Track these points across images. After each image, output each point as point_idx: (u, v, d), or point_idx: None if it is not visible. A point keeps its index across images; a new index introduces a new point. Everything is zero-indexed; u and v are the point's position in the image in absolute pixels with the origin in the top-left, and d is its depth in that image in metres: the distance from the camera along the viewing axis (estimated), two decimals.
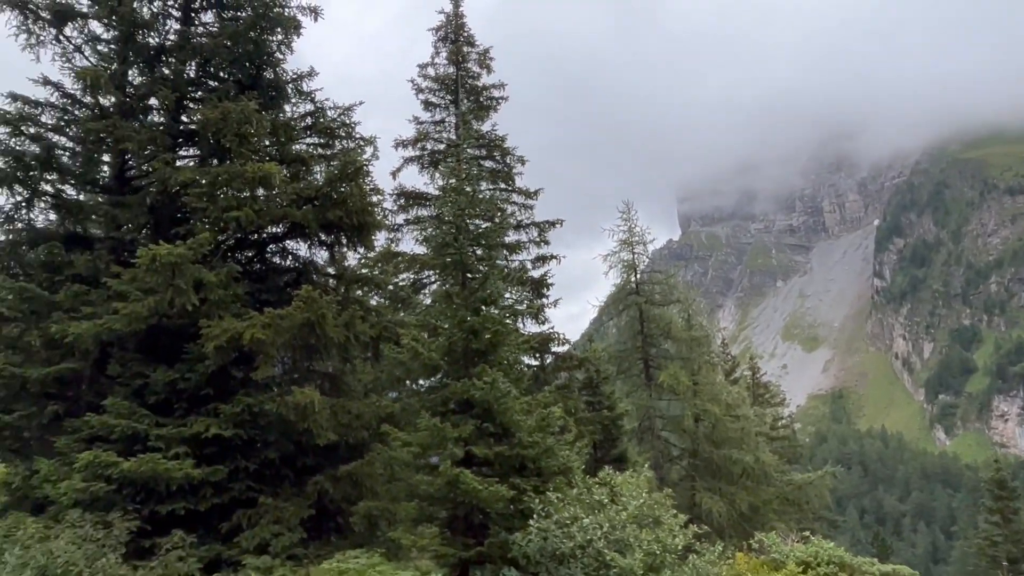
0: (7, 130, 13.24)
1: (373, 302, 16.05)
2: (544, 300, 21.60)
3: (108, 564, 10.23)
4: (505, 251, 20.62)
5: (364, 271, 15.97)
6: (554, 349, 21.89)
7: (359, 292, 15.21)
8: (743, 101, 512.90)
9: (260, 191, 13.46)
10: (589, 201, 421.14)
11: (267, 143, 14.28)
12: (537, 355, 21.18)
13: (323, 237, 14.88)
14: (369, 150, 14.93)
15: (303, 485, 13.06)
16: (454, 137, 21.60)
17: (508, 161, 22.07)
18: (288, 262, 15.51)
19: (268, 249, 15.24)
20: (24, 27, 13.34)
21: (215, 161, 13.82)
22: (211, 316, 12.27)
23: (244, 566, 11.47)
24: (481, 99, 21.87)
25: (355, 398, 14.35)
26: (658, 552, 11.22)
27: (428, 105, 21.96)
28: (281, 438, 12.77)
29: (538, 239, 22.00)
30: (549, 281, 21.81)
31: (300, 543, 12.33)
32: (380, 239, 18.40)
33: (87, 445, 12.07)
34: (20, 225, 14.06)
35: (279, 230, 14.73)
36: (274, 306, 12.69)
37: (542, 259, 22.10)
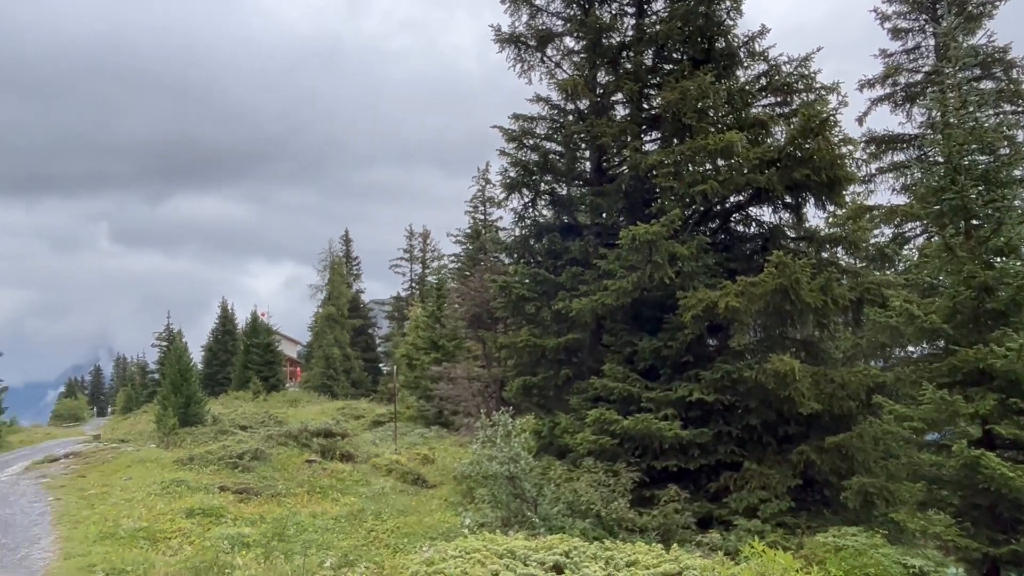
0: (514, 145, 16.17)
1: (848, 262, 14.81)
2: None
3: (619, 507, 11.71)
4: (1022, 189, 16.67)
5: (835, 230, 14.79)
6: None
7: (832, 253, 14.18)
8: None
9: (721, 161, 13.61)
10: None
11: (724, 112, 14.33)
12: None
13: (788, 199, 14.31)
14: (833, 98, 13.75)
15: (786, 453, 12.84)
16: (934, 62, 18.35)
17: (1016, 75, 17.77)
18: (752, 229, 15.40)
19: (732, 218, 15.36)
20: (519, 58, 16.09)
21: (676, 140, 14.47)
22: (686, 287, 12.95)
23: (735, 527, 11.84)
24: (969, 7, 18.08)
25: (834, 366, 13.48)
26: None
27: (897, 33, 19.19)
28: (761, 405, 12.76)
29: None
30: None
31: (789, 511, 12.19)
32: (850, 193, 16.85)
33: (593, 404, 14.06)
34: (528, 221, 17.03)
35: (742, 198, 14.70)
36: (743, 274, 12.75)
37: None
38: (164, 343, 73.59)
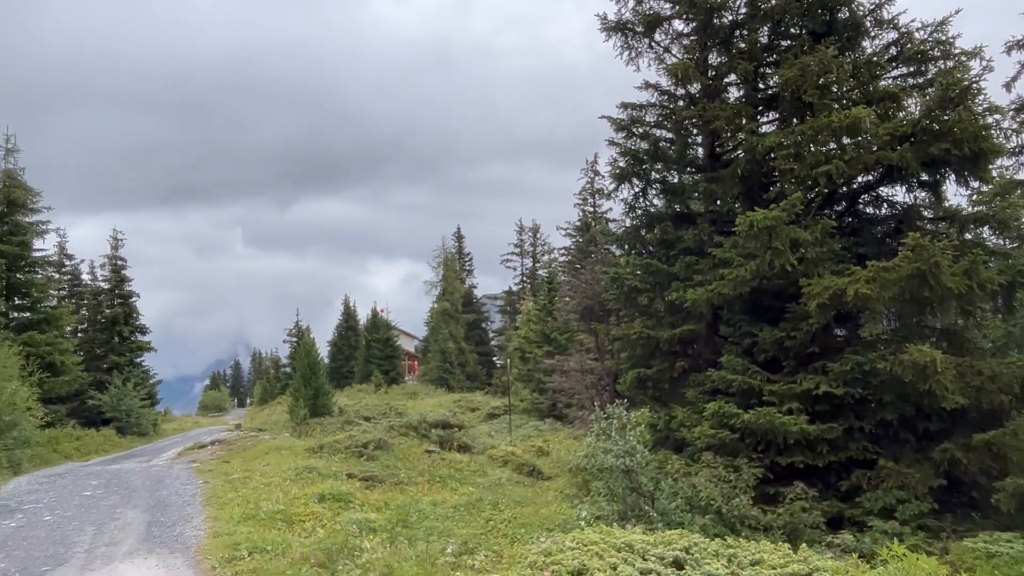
0: (623, 134, 15.92)
1: (996, 244, 13.49)
2: None
3: (741, 504, 11.30)
4: None
5: (981, 208, 13.51)
6: None
7: (977, 233, 12.98)
8: None
9: (847, 139, 12.78)
10: None
11: (849, 87, 13.43)
12: None
13: (924, 177, 13.23)
14: (975, 64, 12.54)
15: (927, 451, 11.91)
16: None
17: None
18: (883, 210, 14.36)
19: (860, 199, 14.39)
20: (627, 45, 15.80)
21: (796, 120, 13.72)
22: (810, 274, 12.28)
23: (870, 528, 11.13)
24: None
25: (982, 357, 12.33)
26: None
27: None
28: (897, 399, 11.89)
29: None
30: None
31: (930, 513, 11.31)
32: (998, 167, 15.36)
33: (711, 397, 13.64)
34: (639, 211, 16.72)
35: (871, 177, 13.74)
36: (874, 259, 11.92)
37: None
38: (294, 339, 78.56)
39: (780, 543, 8.33)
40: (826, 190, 13.66)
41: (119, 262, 36.33)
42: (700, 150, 15.85)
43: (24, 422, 19.44)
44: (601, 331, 18.82)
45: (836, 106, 12.87)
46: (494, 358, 70.33)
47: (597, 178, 53.97)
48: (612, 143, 15.67)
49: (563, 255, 55.75)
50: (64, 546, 9.68)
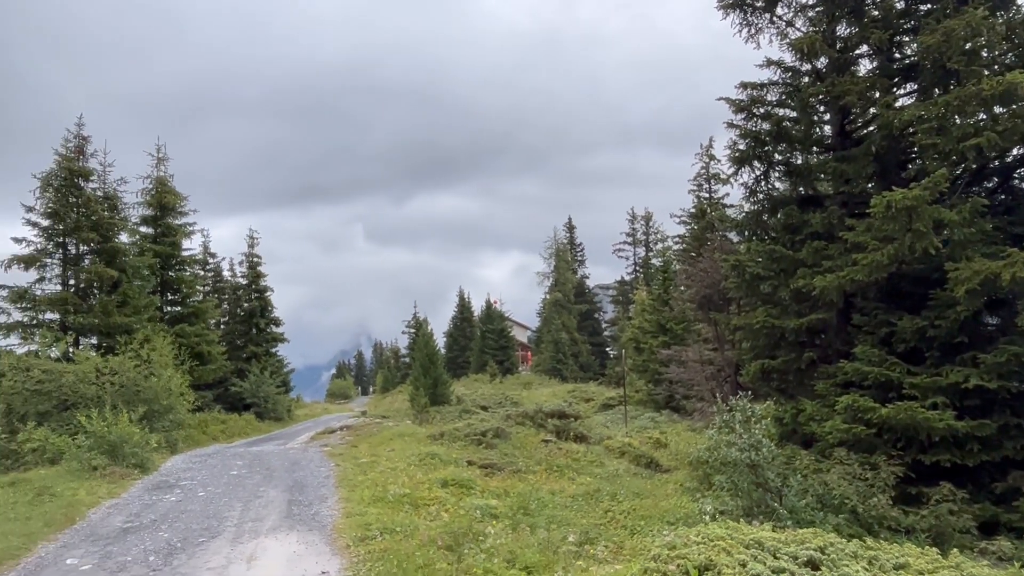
0: (742, 116, 15.26)
1: None
2: None
3: (879, 504, 10.61)
4: None
5: None
6: None
7: None
8: None
9: (1000, 109, 11.60)
10: None
11: (1001, 51, 12.19)
12: None
13: None
14: None
15: None
16: None
17: None
18: None
19: (1015, 174, 13.05)
20: (745, 22, 15.12)
21: (939, 90, 12.63)
22: (956, 258, 11.30)
23: None
24: None
25: None
26: None
27: None
28: None
29: None
30: None
31: None
32: None
33: (843, 390, 12.88)
34: (760, 195, 16.01)
35: None
36: None
37: None
38: (412, 330, 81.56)
39: (926, 547, 7.74)
40: (975, 165, 12.51)
41: (255, 259, 39.09)
42: (828, 128, 14.94)
43: (178, 406, 21.37)
44: (721, 320, 18.17)
45: (987, 73, 11.73)
46: (607, 348, 69.93)
47: (712, 163, 52.17)
48: (731, 125, 15.06)
49: (677, 243, 54.39)
50: (216, 520, 10.56)
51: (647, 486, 15.25)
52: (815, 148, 15.14)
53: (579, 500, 13.49)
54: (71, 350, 22.09)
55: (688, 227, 52.40)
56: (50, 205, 22.79)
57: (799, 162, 15.34)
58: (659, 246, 68.63)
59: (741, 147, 15.14)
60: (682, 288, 27.99)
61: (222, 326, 37.86)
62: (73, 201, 23.31)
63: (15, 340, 21.65)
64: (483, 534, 8.72)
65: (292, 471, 15.30)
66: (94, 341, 23.85)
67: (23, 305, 21.97)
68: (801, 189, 15.20)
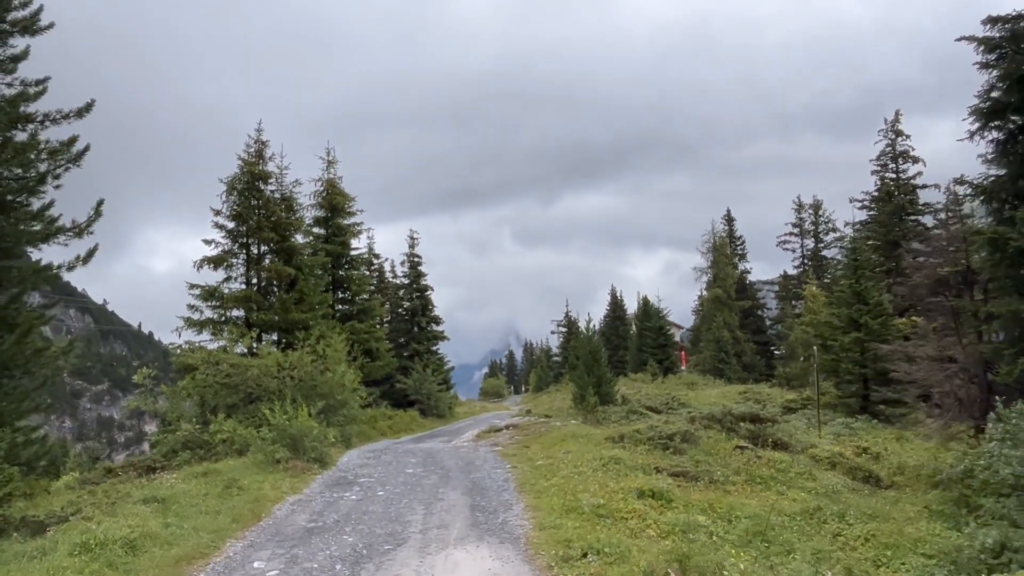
0: (995, 55, 12.42)
1: None
2: None
3: None
4: None
5: None
6: None
7: None
8: None
9: None
10: None
11: None
12: None
13: None
14: None
15: None
16: None
17: None
18: None
19: None
20: None
21: None
22: None
23: None
24: None
25: None
26: None
27: None
28: None
29: None
30: None
31: None
32: None
33: None
34: (1014, 156, 13.02)
35: None
36: None
37: None
38: (563, 329, 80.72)
39: None
40: None
41: (415, 259, 39.75)
42: None
43: (352, 401, 21.52)
44: (966, 308, 15.12)
45: None
46: (771, 347, 65.17)
47: (899, 139, 46.51)
48: (986, 66, 12.25)
49: (857, 230, 49.19)
50: (400, 524, 9.76)
51: (877, 505, 12.83)
52: None
53: (798, 519, 11.46)
54: (255, 345, 23.00)
55: (869, 212, 47.17)
56: (235, 207, 23.92)
57: None
58: (829, 236, 62.94)
59: (996, 94, 12.29)
60: (907, 274, 24.18)
61: (386, 325, 38.79)
62: (255, 203, 24.36)
63: (207, 336, 22.88)
64: (718, 564, 7.09)
65: (468, 472, 14.46)
66: (275, 337, 24.80)
67: (213, 303, 23.18)
68: None
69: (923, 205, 45.02)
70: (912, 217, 44.79)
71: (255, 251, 24.41)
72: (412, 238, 40.10)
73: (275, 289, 24.43)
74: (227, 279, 23.92)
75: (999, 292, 13.32)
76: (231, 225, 24.00)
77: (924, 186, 45.37)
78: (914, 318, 29.78)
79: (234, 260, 24.11)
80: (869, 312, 27.41)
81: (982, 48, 12.27)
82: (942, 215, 46.16)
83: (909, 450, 18.24)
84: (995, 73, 12.08)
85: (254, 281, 24.35)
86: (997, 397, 10.48)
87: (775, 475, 14.15)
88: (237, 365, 19.72)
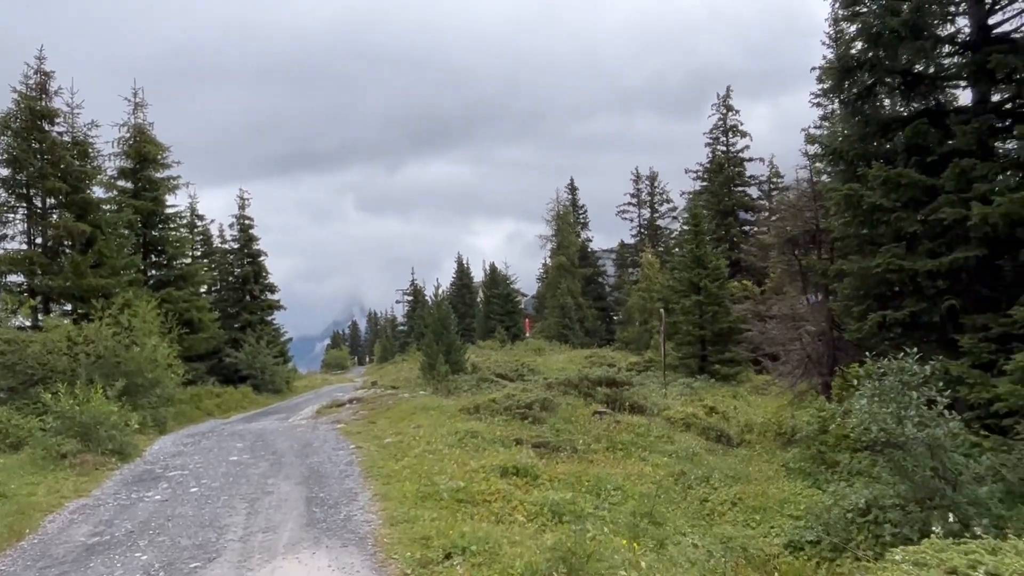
0: (851, 10, 12.32)
1: None
2: None
3: None
4: None
5: None
6: None
7: None
8: None
9: None
10: None
11: None
12: None
13: None
14: None
15: None
16: None
17: None
18: None
19: None
20: None
21: None
22: None
23: None
24: None
25: None
26: None
27: None
28: None
29: None
30: None
31: None
32: None
33: (1000, 346, 10.25)
34: (866, 113, 13.13)
35: None
36: None
37: None
38: (410, 298, 78.77)
39: None
40: None
41: (246, 221, 35.97)
42: (966, 22, 12.03)
43: (166, 379, 18.58)
44: (815, 266, 15.45)
45: None
46: (611, 313, 67.62)
47: (730, 114, 49.28)
48: (841, 20, 12.10)
49: (691, 200, 51.55)
50: (214, 531, 7.85)
51: (735, 465, 12.69)
52: (949, 45, 12.23)
53: (663, 487, 10.91)
54: (39, 317, 19.21)
55: (703, 183, 49.75)
56: (10, 150, 19.68)
57: (922, 69, 12.43)
58: (664, 207, 65.95)
59: (853, 52, 12.23)
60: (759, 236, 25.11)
61: (213, 293, 34.90)
62: (36, 147, 20.20)
63: None
64: (601, 557, 6.00)
65: (304, 455, 12.61)
66: (67, 307, 20.96)
67: None
68: (929, 100, 12.33)
69: (749, 177, 49.00)
70: (739, 188, 48.07)
71: (38, 204, 20.33)
72: (242, 199, 36.18)
73: (66, 250, 20.53)
74: (2, 238, 19.77)
75: (848, 251, 13.63)
76: (5, 172, 19.78)
77: (751, 159, 48.87)
78: (745, 281, 31.33)
79: (10, 215, 19.94)
80: (708, 276, 28.39)
81: (837, 2, 12.19)
82: (765, 186, 49.84)
83: (753, 408, 18.79)
84: (853, 28, 12.04)
85: (38, 240, 20.31)
86: (838, 352, 10.40)
87: (635, 440, 13.66)
88: (12, 341, 16.17)
